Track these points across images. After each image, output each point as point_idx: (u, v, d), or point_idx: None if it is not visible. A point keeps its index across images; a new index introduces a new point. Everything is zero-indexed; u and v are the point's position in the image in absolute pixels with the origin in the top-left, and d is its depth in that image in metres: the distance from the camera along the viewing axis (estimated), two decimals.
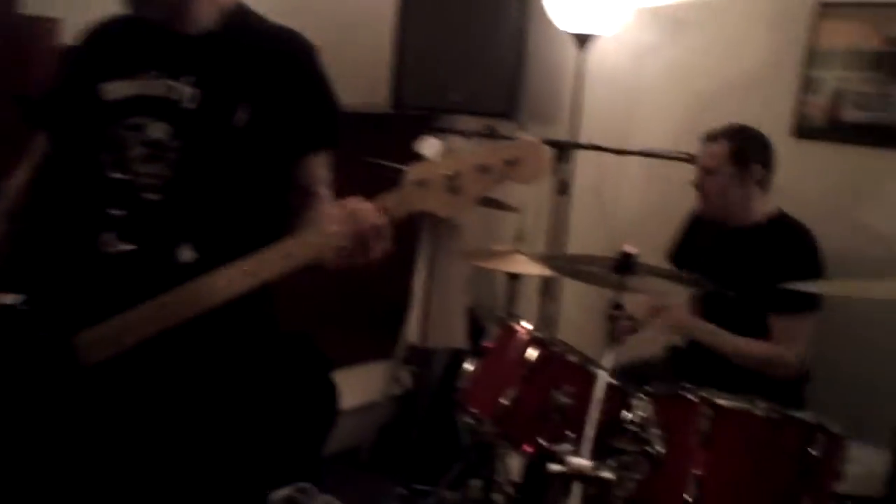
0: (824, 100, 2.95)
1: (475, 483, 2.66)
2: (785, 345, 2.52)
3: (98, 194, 1.58)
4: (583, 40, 3.29)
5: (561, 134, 3.30)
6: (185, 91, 1.58)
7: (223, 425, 1.64)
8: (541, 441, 2.12)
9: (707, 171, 2.67)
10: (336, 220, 1.42)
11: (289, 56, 1.65)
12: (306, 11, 3.43)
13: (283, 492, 2.69)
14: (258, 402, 1.73)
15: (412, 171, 1.47)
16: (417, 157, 3.42)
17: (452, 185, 1.44)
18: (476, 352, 2.33)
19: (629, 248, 2.08)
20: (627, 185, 3.48)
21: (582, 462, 1.78)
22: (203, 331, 1.51)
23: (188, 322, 1.48)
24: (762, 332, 2.57)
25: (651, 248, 2.92)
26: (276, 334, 1.77)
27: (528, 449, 2.16)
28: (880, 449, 2.19)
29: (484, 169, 1.45)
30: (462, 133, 3.42)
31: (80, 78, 1.63)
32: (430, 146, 2.82)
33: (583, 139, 3.25)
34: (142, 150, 1.57)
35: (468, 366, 2.34)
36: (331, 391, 2.93)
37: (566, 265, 2.52)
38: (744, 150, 2.63)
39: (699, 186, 2.71)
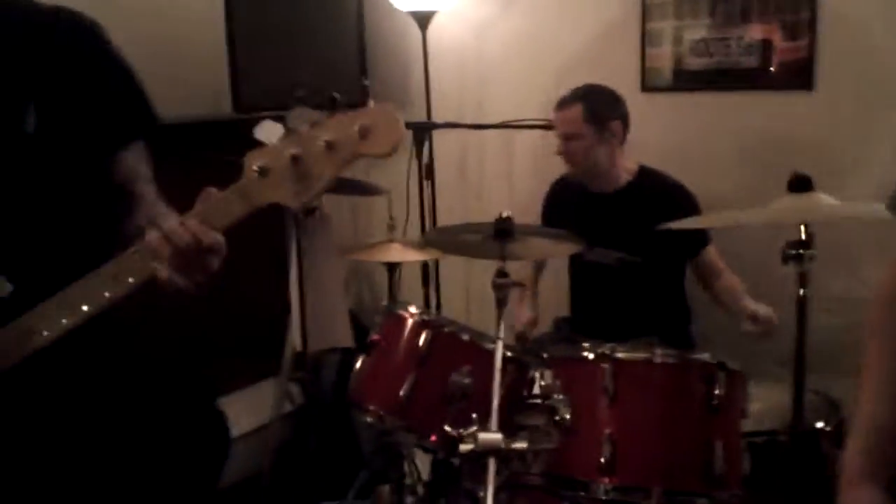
0: (666, 51, 3.00)
1: (384, 489, 2.56)
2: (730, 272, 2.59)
3: None
4: (422, 19, 3.23)
5: (416, 116, 3.23)
6: None
7: (100, 467, 1.46)
8: (447, 428, 2.04)
9: (567, 137, 2.67)
10: (149, 240, 1.27)
11: (70, 39, 1.44)
12: (136, 27, 3.25)
13: None
14: (137, 441, 1.56)
15: (250, 159, 1.28)
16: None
17: (299, 170, 1.27)
18: (364, 347, 2.22)
19: (505, 213, 2.02)
20: (490, 160, 3.44)
21: (492, 436, 1.70)
22: (59, 370, 1.34)
23: (35, 359, 1.30)
24: (659, 288, 2.63)
25: (526, 219, 2.93)
26: (146, 366, 1.60)
27: (435, 439, 2.08)
28: (772, 383, 2.24)
29: (332, 146, 1.27)
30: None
31: None
32: (269, 131, 2.59)
33: (438, 119, 3.19)
34: None
35: (358, 364, 2.23)
36: (219, 420, 2.75)
37: (444, 240, 2.44)
38: (598, 109, 2.64)
39: (564, 153, 2.70)
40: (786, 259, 1.84)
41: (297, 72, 3.33)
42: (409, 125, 3.01)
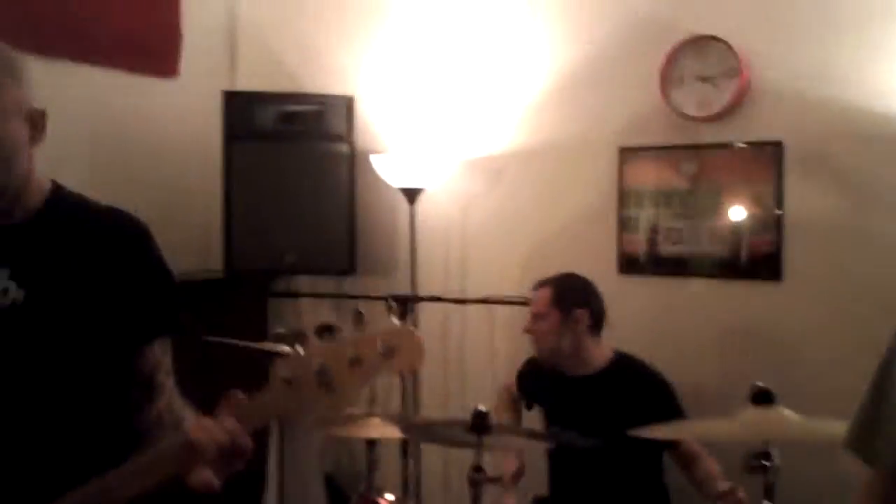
0: (641, 237, 3.16)
1: None
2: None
3: None
4: (411, 194, 3.40)
5: (401, 287, 3.34)
6: (2, 286, 1.45)
7: None
8: None
9: (536, 317, 2.77)
10: (196, 438, 1.31)
11: (121, 239, 1.55)
12: (133, 180, 3.41)
13: None
14: None
15: (279, 369, 1.35)
16: (254, 329, 3.35)
17: (324, 381, 1.33)
18: None
19: (482, 408, 2.08)
20: (471, 333, 3.53)
21: None
22: None
23: None
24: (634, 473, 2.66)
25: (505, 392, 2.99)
26: None
27: None
28: None
29: (357, 362, 1.33)
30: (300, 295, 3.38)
31: None
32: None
33: (422, 291, 3.30)
34: None
35: None
36: None
37: (422, 431, 2.49)
38: (566, 295, 2.75)
39: (530, 331, 2.79)
40: (750, 469, 1.90)
41: (289, 236, 3.47)
42: (394, 297, 3.13)
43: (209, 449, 1.30)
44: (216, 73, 3.82)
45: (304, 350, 1.36)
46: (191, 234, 3.61)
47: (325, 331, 1.45)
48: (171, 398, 1.54)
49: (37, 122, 1.49)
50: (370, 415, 2.75)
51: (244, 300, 3.66)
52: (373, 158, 3.42)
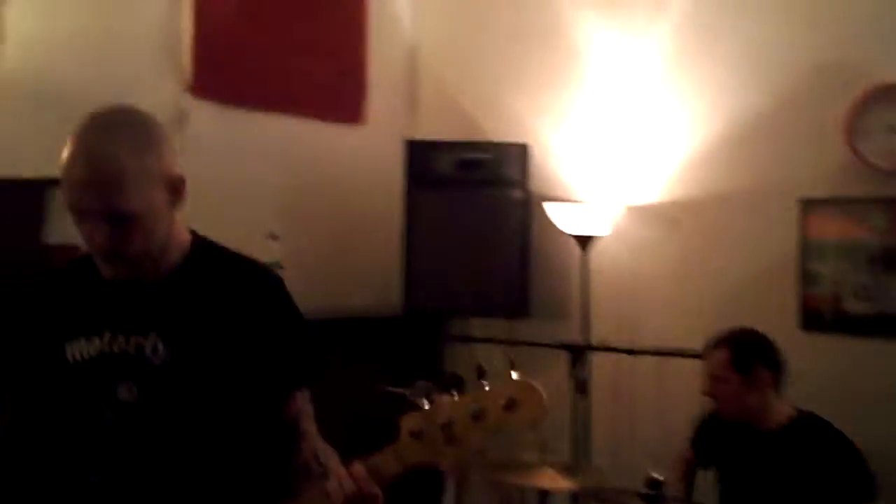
0: (826, 292, 3.06)
1: None
2: None
3: (71, 461, 1.50)
4: (584, 241, 3.44)
5: (572, 333, 3.39)
6: (151, 345, 1.50)
7: None
8: None
9: (715, 379, 2.71)
10: (331, 489, 1.41)
11: (259, 292, 1.58)
12: (319, 220, 3.66)
13: None
14: None
15: (405, 423, 1.44)
16: (428, 369, 3.47)
17: (449, 434, 1.40)
18: None
19: (656, 476, 2.08)
20: (641, 383, 3.52)
21: None
22: None
23: None
24: None
25: (676, 440, 2.97)
26: None
27: None
28: None
29: (480, 416, 1.40)
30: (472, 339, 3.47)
31: (42, 337, 1.55)
32: (422, 390, 2.78)
33: (594, 337, 3.33)
34: (112, 413, 1.48)
35: None
36: None
37: (594, 493, 2.51)
38: (745, 355, 2.66)
39: (710, 393, 2.74)
40: None
41: (464, 279, 3.60)
42: (565, 346, 3.18)
43: (338, 498, 1.39)
44: (397, 119, 4.03)
45: (432, 404, 1.43)
46: (371, 274, 3.82)
47: (480, 375, 1.52)
48: (315, 445, 1.60)
49: (177, 188, 1.51)
50: (543, 464, 2.80)
51: (419, 340, 3.81)
52: (547, 205, 3.49)
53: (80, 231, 1.46)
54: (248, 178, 3.39)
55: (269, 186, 3.49)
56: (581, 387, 3.20)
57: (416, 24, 4.10)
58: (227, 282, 1.57)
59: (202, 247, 1.61)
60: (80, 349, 1.51)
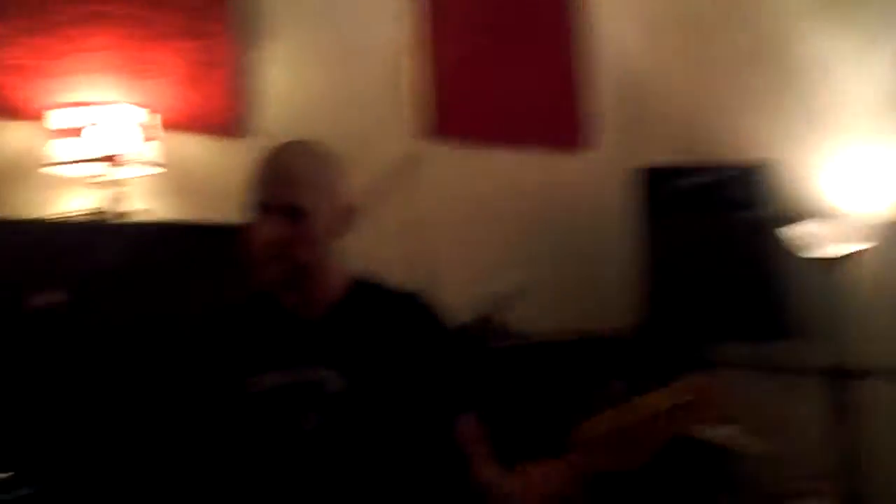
0: None
1: None
2: None
3: (256, 493, 1.53)
4: (834, 261, 3.20)
5: (830, 356, 3.13)
6: (328, 377, 1.54)
7: None
8: None
9: None
10: (517, 489, 1.43)
11: (422, 321, 1.63)
12: (555, 243, 3.66)
13: None
14: None
15: (585, 429, 1.44)
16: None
17: (627, 438, 1.41)
18: None
19: None
20: None
21: None
22: None
23: None
24: None
25: None
26: None
27: None
28: None
29: (657, 417, 1.41)
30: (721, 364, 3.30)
31: (224, 370, 1.58)
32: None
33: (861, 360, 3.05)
34: (297, 443, 1.52)
35: None
36: None
37: None
38: None
39: None
40: None
41: (711, 303, 3.41)
42: (821, 370, 2.94)
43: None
44: (623, 144, 3.96)
45: (607, 411, 1.44)
46: (607, 298, 3.72)
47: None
48: (488, 467, 1.58)
49: (347, 217, 1.58)
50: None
51: (662, 366, 3.67)
52: (794, 225, 3.27)
53: (257, 234, 1.52)
54: (477, 211, 3.49)
55: (501, 219, 3.55)
56: (842, 413, 2.93)
57: (640, 49, 4.05)
58: (391, 313, 1.62)
59: (363, 280, 1.66)
60: (262, 382, 1.55)
